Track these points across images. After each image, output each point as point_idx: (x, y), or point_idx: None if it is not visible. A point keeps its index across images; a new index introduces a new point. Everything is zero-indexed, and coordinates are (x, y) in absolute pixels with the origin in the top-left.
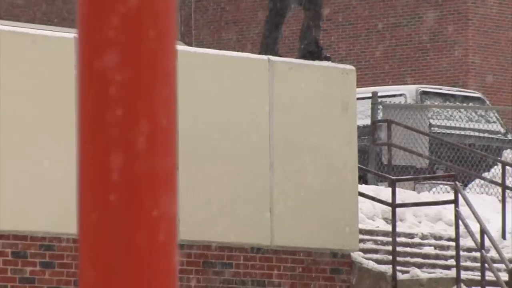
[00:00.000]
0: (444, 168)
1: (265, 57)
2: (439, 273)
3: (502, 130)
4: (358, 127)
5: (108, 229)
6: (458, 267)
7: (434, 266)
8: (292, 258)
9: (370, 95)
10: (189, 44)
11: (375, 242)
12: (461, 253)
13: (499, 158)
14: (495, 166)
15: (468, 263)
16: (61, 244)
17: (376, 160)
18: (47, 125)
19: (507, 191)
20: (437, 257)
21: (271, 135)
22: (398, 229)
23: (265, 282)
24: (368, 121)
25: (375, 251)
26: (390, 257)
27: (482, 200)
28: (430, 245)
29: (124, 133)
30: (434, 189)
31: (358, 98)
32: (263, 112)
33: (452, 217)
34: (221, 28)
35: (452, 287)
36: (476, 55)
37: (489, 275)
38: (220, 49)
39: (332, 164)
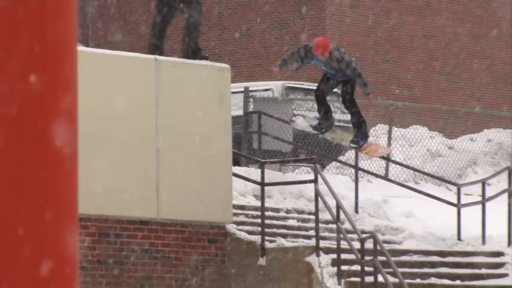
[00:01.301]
0: (305, 152)
1: (152, 56)
2: (301, 242)
3: None
4: (233, 117)
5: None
6: (317, 237)
7: (296, 236)
8: (175, 230)
9: (242, 89)
10: (86, 45)
11: (247, 215)
12: (320, 225)
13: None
14: (349, 151)
15: (326, 234)
16: None
17: (247, 145)
18: None
19: (359, 172)
20: (299, 228)
21: (157, 124)
22: (266, 205)
23: (152, 250)
24: (241, 112)
25: (247, 224)
26: (259, 229)
27: (337, 179)
28: (293, 218)
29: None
30: (297, 170)
31: (232, 92)
32: (151, 104)
33: (313, 194)
34: (116, 30)
35: (312, 254)
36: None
37: (344, 244)
38: (113, 50)
39: (210, 149)
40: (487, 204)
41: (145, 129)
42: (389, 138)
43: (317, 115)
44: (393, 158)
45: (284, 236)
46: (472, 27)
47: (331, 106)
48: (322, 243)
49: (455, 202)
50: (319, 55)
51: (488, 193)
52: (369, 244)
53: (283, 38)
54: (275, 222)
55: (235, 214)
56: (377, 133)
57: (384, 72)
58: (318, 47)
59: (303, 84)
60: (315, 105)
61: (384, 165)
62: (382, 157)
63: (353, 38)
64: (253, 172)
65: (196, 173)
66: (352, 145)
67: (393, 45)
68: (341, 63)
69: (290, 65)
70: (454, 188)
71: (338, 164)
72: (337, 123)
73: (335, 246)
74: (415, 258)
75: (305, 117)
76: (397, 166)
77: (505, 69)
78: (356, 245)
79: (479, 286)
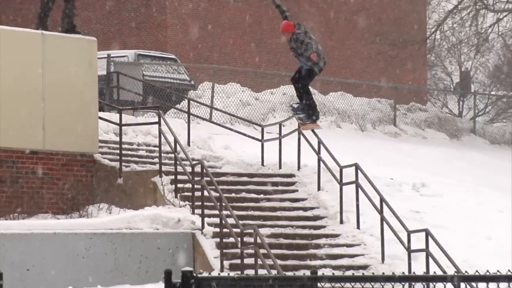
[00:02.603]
0: (152, 101)
1: (39, 31)
2: (148, 167)
3: (187, 78)
4: (99, 76)
5: None
6: (160, 163)
7: (145, 162)
8: (57, 157)
9: (106, 56)
10: None
11: (109, 147)
12: (162, 154)
13: (185, 96)
14: (183, 101)
15: (167, 161)
16: None
17: (109, 96)
18: None
19: (191, 116)
20: (147, 157)
21: (43, 81)
22: (123, 140)
23: (40, 172)
24: (104, 72)
25: (109, 153)
26: (118, 157)
27: (175, 121)
28: (143, 149)
29: None
30: (145, 115)
31: (98, 58)
32: (38, 66)
33: (157, 132)
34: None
35: (157, 176)
36: (174, 32)
37: (179, 168)
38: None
39: (82, 99)
40: (283, 140)
41: (35, 85)
42: (212, 93)
43: None
44: (215, 106)
45: (136, 162)
46: None
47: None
48: (164, 168)
49: (260, 138)
50: (284, 36)
51: (283, 132)
52: (197, 169)
53: (138, 17)
54: (129, 152)
55: (100, 147)
56: (204, 88)
57: (208, 43)
58: (282, 30)
59: (150, 52)
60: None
61: (209, 111)
62: (206, 105)
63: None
64: (114, 116)
65: (71, 116)
66: (295, 113)
67: (216, 23)
68: (296, 42)
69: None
70: (259, 128)
71: (175, 110)
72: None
73: (173, 170)
74: (231, 178)
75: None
76: (218, 112)
77: None
78: (188, 169)
79: (278, 198)
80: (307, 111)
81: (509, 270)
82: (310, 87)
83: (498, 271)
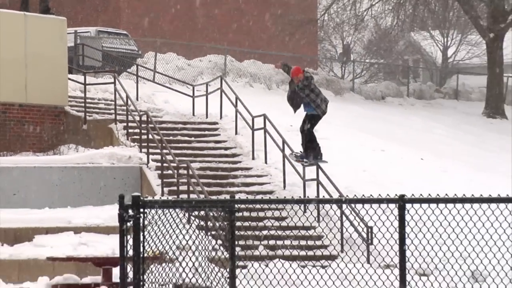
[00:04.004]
0: (110, 66)
1: (22, 12)
2: (107, 116)
3: (136, 49)
4: (68, 47)
5: None
6: (115, 114)
7: (104, 113)
8: (36, 109)
9: (73, 31)
10: None
11: (76, 102)
12: (117, 107)
13: (134, 62)
14: (133, 66)
15: (120, 112)
16: None
17: (76, 62)
18: None
19: (139, 78)
20: (105, 109)
21: (26, 50)
22: (87, 95)
23: (24, 120)
24: (72, 44)
25: (76, 106)
26: (83, 109)
27: (127, 82)
28: (102, 103)
29: None
30: (104, 76)
31: (68, 33)
32: (22, 38)
33: (113, 89)
34: None
35: (113, 123)
36: (126, 14)
37: (130, 118)
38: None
39: (55, 65)
40: (209, 96)
41: (19, 54)
42: (155, 60)
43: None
44: (157, 70)
45: (97, 113)
46: None
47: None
48: (118, 117)
49: (191, 94)
50: (295, 79)
51: (209, 90)
52: (144, 118)
53: (99, 2)
54: (92, 105)
55: (70, 101)
56: (148, 56)
57: (153, 21)
58: (292, 74)
59: (107, 29)
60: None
61: (153, 74)
62: (150, 69)
63: None
64: (79, 78)
65: (47, 78)
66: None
67: (159, 6)
68: (304, 81)
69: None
70: (191, 87)
71: (127, 73)
72: None
73: (125, 119)
74: (169, 125)
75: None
76: (160, 74)
77: None
78: (137, 118)
79: (205, 140)
80: (311, 156)
81: (379, 194)
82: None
83: (371, 195)
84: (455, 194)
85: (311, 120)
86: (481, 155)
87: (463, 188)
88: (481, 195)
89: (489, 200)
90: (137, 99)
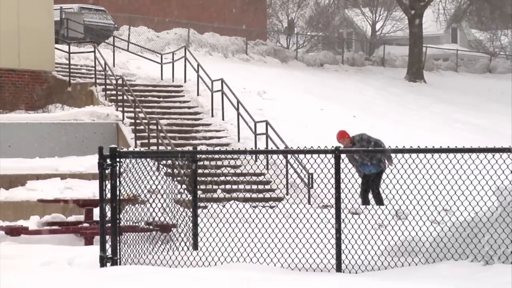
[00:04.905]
0: (91, 38)
1: None
2: (88, 80)
3: (113, 23)
4: (55, 21)
5: None
6: (95, 77)
7: (86, 77)
8: (28, 74)
9: (59, 7)
10: None
11: (62, 67)
12: (97, 72)
13: (111, 34)
14: (110, 37)
15: (99, 76)
16: None
17: (62, 34)
18: None
19: (116, 48)
20: (87, 73)
21: (18, 25)
22: (71, 62)
23: (17, 83)
24: (58, 18)
25: (62, 71)
26: (68, 74)
27: (104, 51)
28: (84, 69)
29: None
30: (86, 46)
31: (54, 9)
32: (15, 11)
33: (93, 57)
34: None
35: (93, 86)
36: None
37: (108, 81)
38: None
39: (43, 36)
40: (175, 63)
41: (13, 26)
42: (129, 33)
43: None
44: (131, 41)
45: (79, 77)
46: None
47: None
48: (98, 81)
49: (160, 62)
50: (341, 142)
51: (175, 58)
52: (119, 81)
53: None
54: (75, 71)
55: (56, 67)
56: (123, 29)
57: (124, 0)
58: (339, 137)
59: (88, 5)
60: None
61: (127, 44)
62: (125, 40)
63: None
64: (65, 47)
65: (37, 47)
66: None
67: None
68: (361, 141)
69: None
70: (160, 56)
71: (105, 43)
72: None
73: (104, 82)
74: (141, 88)
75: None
76: (133, 45)
77: None
78: (114, 81)
79: (172, 101)
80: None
81: (318, 146)
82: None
83: (311, 146)
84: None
85: (380, 179)
86: (403, 112)
87: (388, 140)
88: (404, 146)
89: (410, 150)
90: (113, 65)
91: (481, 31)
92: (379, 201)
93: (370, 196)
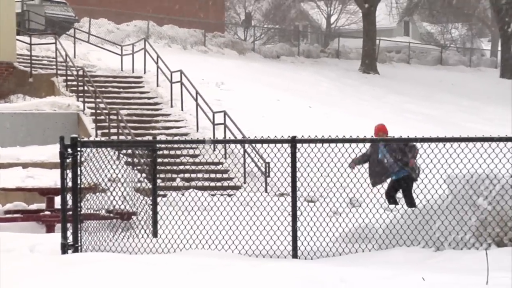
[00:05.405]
0: (52, 29)
1: None
2: (49, 71)
3: (73, 15)
4: (17, 13)
5: None
6: (56, 68)
7: (47, 68)
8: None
9: (21, 0)
10: None
11: (23, 58)
12: (58, 63)
13: (72, 26)
14: (71, 29)
15: (61, 67)
16: None
17: (23, 26)
18: None
19: (76, 39)
20: (49, 64)
21: None
22: (33, 53)
23: None
24: (20, 10)
25: (23, 62)
26: (29, 65)
27: (65, 42)
28: (45, 60)
29: None
30: (47, 38)
31: (16, 1)
32: None
33: (54, 49)
34: None
35: (54, 76)
36: None
37: (69, 72)
38: None
39: (6, 27)
40: (135, 54)
41: None
42: (90, 24)
43: None
44: (92, 33)
45: (41, 68)
46: None
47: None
48: (59, 72)
49: (120, 53)
50: (379, 137)
51: (135, 49)
52: (80, 72)
53: None
54: (37, 62)
55: (18, 58)
56: (84, 21)
57: None
58: (378, 130)
59: None
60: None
61: (87, 36)
62: (86, 32)
63: None
64: (26, 39)
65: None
66: None
67: None
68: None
69: (360, 163)
70: (120, 47)
71: (66, 35)
72: None
73: (65, 73)
74: (102, 78)
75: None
76: (94, 37)
77: None
78: (74, 72)
79: (132, 92)
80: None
81: (275, 136)
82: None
83: (268, 136)
84: (337, 135)
85: (411, 184)
86: (357, 103)
87: (342, 130)
88: (358, 136)
89: (362, 140)
90: (74, 56)
91: (432, 24)
92: (412, 205)
93: (399, 195)
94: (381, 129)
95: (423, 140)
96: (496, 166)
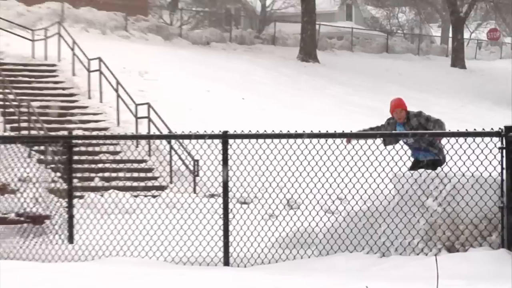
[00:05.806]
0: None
1: None
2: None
3: None
4: None
5: None
6: None
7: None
8: None
9: None
10: None
11: None
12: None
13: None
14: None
15: None
16: None
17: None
18: None
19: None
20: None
21: None
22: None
23: None
24: None
25: None
26: None
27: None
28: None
29: None
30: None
31: None
32: None
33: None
34: None
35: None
36: None
37: None
38: None
39: None
40: (48, 40)
41: None
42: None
43: None
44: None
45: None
46: None
47: None
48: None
49: (31, 38)
50: (396, 114)
51: (48, 34)
52: None
53: None
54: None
55: None
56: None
57: None
58: (395, 106)
59: None
60: None
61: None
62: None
63: None
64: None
65: None
66: None
67: None
68: (419, 117)
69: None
70: (31, 32)
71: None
72: None
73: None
74: (11, 67)
75: None
76: (3, 21)
77: None
78: None
79: (45, 81)
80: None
81: (205, 131)
82: None
83: (197, 131)
84: (273, 130)
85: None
86: (295, 94)
87: (279, 125)
88: (296, 131)
89: (300, 135)
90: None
91: (377, 8)
92: None
93: None
94: (398, 105)
95: (367, 135)
96: (456, 164)
